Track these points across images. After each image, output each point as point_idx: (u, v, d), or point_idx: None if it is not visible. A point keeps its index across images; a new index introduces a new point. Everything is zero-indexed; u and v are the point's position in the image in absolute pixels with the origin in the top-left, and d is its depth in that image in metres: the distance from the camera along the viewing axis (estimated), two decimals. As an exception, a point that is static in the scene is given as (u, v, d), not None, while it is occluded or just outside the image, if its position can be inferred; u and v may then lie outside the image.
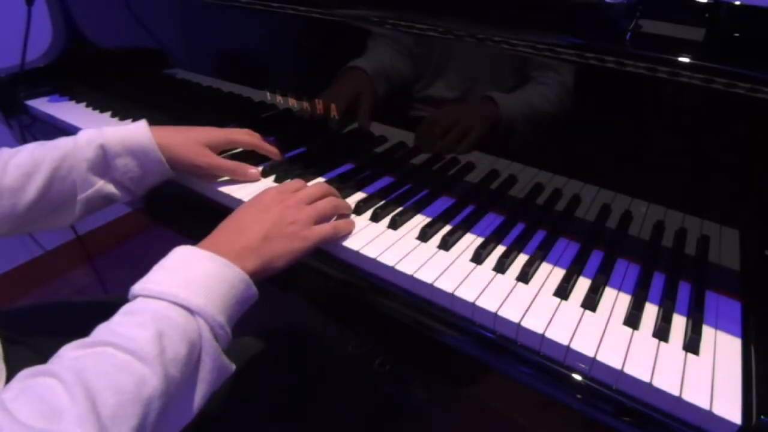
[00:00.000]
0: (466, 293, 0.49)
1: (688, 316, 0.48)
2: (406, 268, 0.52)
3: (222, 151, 0.71)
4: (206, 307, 0.41)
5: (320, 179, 0.71)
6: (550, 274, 0.53)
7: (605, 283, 0.51)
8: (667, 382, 0.40)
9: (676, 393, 0.40)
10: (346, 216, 0.60)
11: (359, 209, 0.62)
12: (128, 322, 0.39)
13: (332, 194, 0.60)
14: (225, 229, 0.51)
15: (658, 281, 0.53)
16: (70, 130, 0.93)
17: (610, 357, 0.43)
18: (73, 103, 1.04)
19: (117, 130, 0.62)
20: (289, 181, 0.66)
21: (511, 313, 0.47)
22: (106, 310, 0.41)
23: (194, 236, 0.49)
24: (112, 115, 0.96)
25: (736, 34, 0.47)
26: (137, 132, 0.63)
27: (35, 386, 0.34)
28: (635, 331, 0.46)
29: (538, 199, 0.60)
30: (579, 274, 0.53)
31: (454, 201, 0.66)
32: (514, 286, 0.50)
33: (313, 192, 0.57)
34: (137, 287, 0.42)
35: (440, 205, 0.65)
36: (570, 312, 0.47)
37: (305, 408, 0.65)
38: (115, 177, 0.62)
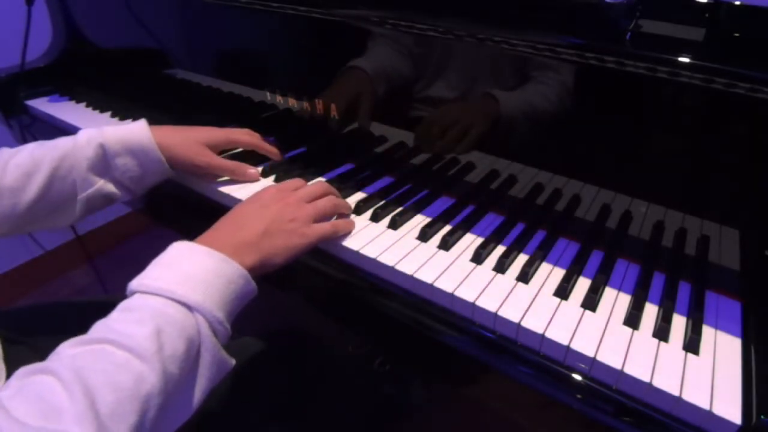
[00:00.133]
0: (466, 293, 0.49)
1: (688, 316, 0.48)
2: (406, 268, 0.52)
3: (222, 151, 0.71)
4: (204, 303, 0.41)
5: (320, 179, 0.71)
6: (550, 274, 0.53)
7: (605, 283, 0.51)
8: (667, 382, 0.40)
9: (676, 393, 0.40)
10: (346, 216, 0.60)
11: (359, 209, 0.62)
12: (126, 318, 0.39)
13: (332, 193, 0.60)
14: (224, 224, 0.51)
15: (658, 281, 0.53)
16: (70, 130, 0.93)
17: (610, 357, 0.43)
18: (73, 103, 1.04)
19: (117, 129, 0.62)
20: (289, 180, 0.67)
21: (511, 313, 0.47)
22: (106, 310, 0.41)
23: (194, 236, 0.49)
24: (112, 115, 0.96)
25: (736, 34, 0.47)
26: (137, 131, 0.63)
27: (33, 384, 0.34)
28: (635, 331, 0.46)
29: (538, 199, 0.60)
30: (579, 274, 0.53)
31: (454, 201, 0.66)
32: (514, 286, 0.50)
33: (313, 190, 0.57)
34: (135, 283, 0.42)
35: (440, 205, 0.65)
36: (570, 312, 0.47)
37: (305, 408, 0.65)
38: (114, 176, 0.62)
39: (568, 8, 0.53)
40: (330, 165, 0.74)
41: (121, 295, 0.43)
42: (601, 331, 0.45)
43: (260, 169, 0.71)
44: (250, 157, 0.73)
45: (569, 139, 0.57)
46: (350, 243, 0.56)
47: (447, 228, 0.59)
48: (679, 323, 0.47)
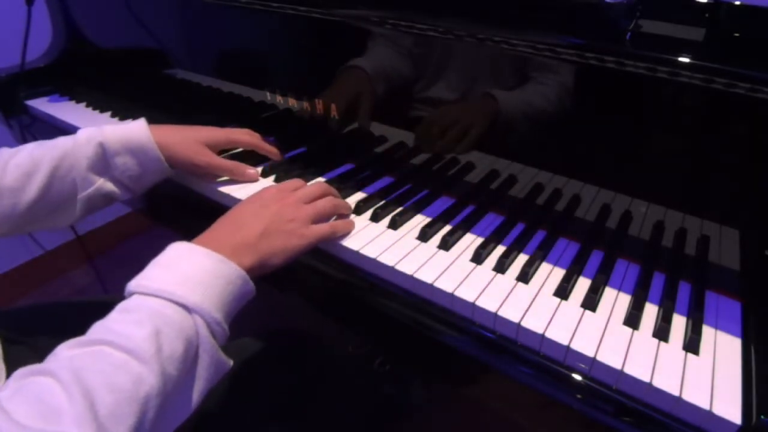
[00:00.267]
0: (466, 293, 0.49)
1: (688, 316, 0.48)
2: (406, 268, 0.52)
3: (222, 150, 0.71)
4: (203, 303, 0.41)
5: (320, 179, 0.71)
6: (550, 274, 0.53)
7: (605, 283, 0.51)
8: (667, 382, 0.40)
9: (676, 393, 0.40)
10: (346, 216, 0.60)
11: (359, 209, 0.62)
12: (124, 319, 0.39)
13: (331, 194, 0.60)
14: (223, 224, 0.51)
15: (658, 281, 0.53)
16: (70, 130, 0.93)
17: (610, 357, 0.43)
18: (73, 103, 1.04)
19: (116, 128, 0.62)
20: (288, 180, 0.66)
21: (511, 313, 0.47)
22: (106, 310, 0.41)
23: (194, 236, 0.49)
24: (112, 115, 0.96)
25: (736, 34, 0.47)
26: (136, 130, 0.62)
27: (32, 385, 0.34)
28: (635, 331, 0.46)
29: (538, 199, 0.60)
30: (579, 274, 0.53)
31: (454, 201, 0.66)
32: (514, 286, 0.50)
33: (312, 191, 0.57)
34: (133, 284, 0.42)
35: (440, 205, 0.65)
36: (570, 312, 0.47)
37: (305, 408, 0.65)
38: (114, 175, 0.62)
39: (568, 8, 0.53)
40: (330, 165, 0.74)
41: (120, 295, 0.43)
42: (601, 331, 0.45)
43: (260, 169, 0.71)
44: (250, 157, 0.73)
45: (569, 139, 0.57)
46: (350, 243, 0.56)
47: (447, 228, 0.59)
48: (679, 323, 0.47)
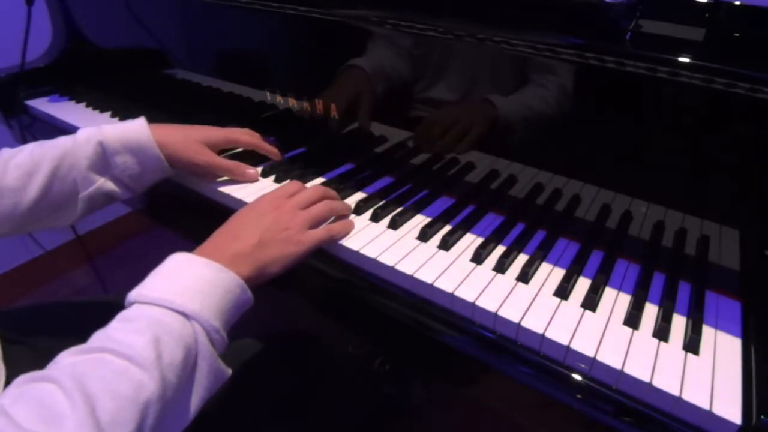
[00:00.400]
0: (466, 293, 0.49)
1: (688, 316, 0.48)
2: (406, 268, 0.52)
3: (222, 150, 0.71)
4: (201, 312, 0.42)
5: (320, 179, 0.71)
6: (550, 274, 0.53)
7: (605, 283, 0.51)
8: (667, 382, 0.40)
9: (676, 393, 0.40)
10: (345, 217, 0.60)
11: (359, 209, 0.62)
12: (125, 328, 0.40)
13: (329, 197, 0.60)
14: (220, 234, 0.51)
15: (658, 281, 0.53)
16: (70, 130, 0.93)
17: (610, 357, 0.43)
18: (73, 103, 1.04)
19: (116, 127, 0.62)
20: (287, 182, 0.66)
21: (511, 313, 0.47)
22: (106, 310, 0.41)
23: (193, 236, 0.49)
24: (112, 115, 0.96)
25: (736, 34, 0.47)
26: (136, 129, 0.62)
27: (34, 391, 0.34)
28: (635, 331, 0.46)
29: (538, 199, 0.60)
30: (579, 274, 0.53)
31: (454, 201, 0.66)
32: (514, 286, 0.50)
33: (308, 195, 0.57)
34: (133, 294, 0.42)
35: (440, 205, 0.65)
36: (570, 312, 0.47)
37: (305, 408, 0.65)
38: (114, 174, 0.62)
39: (568, 8, 0.53)
40: (330, 165, 0.74)
41: (120, 295, 0.43)
42: (601, 331, 0.45)
43: (260, 169, 0.71)
44: (250, 156, 0.73)
45: (569, 140, 0.57)
46: (350, 243, 0.56)
47: (447, 228, 0.59)
48: (679, 323, 0.47)
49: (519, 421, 0.50)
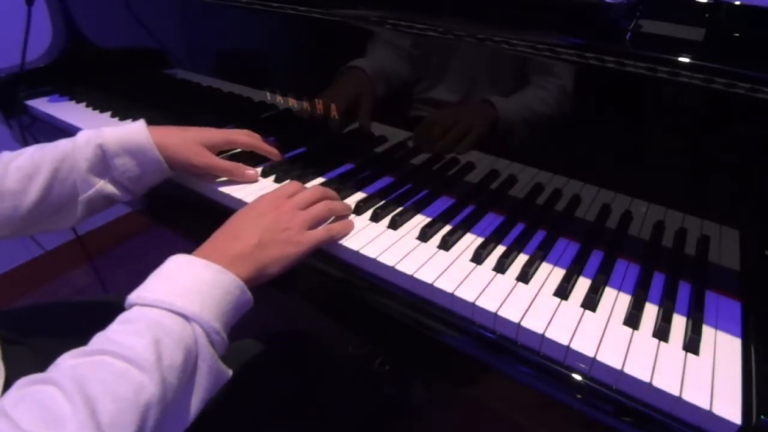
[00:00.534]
0: (466, 293, 0.49)
1: (688, 316, 0.48)
2: (406, 268, 0.52)
3: (222, 151, 0.71)
4: (201, 313, 0.42)
5: (320, 179, 0.71)
6: (550, 274, 0.53)
7: (605, 283, 0.51)
8: (667, 382, 0.40)
9: (676, 393, 0.40)
10: (345, 217, 0.60)
11: (359, 209, 0.62)
12: (125, 330, 0.40)
13: (328, 197, 0.60)
14: (220, 236, 0.51)
15: (658, 281, 0.53)
16: (70, 130, 0.93)
17: (610, 357, 0.43)
18: (73, 103, 1.04)
19: (115, 130, 0.62)
20: (287, 182, 0.66)
21: (511, 313, 0.47)
22: (106, 310, 0.41)
23: (193, 236, 0.49)
24: (112, 115, 0.96)
25: (736, 34, 0.47)
26: (135, 132, 0.63)
27: (35, 394, 0.34)
28: (635, 331, 0.46)
29: (538, 199, 0.60)
30: (579, 274, 0.53)
31: (454, 201, 0.66)
32: (514, 286, 0.50)
33: (307, 196, 0.57)
34: (133, 296, 0.42)
35: (440, 205, 0.65)
36: (570, 312, 0.47)
37: (306, 408, 0.65)
38: (114, 176, 0.62)
39: (567, 8, 0.53)
40: (330, 165, 0.74)
41: (120, 295, 0.43)
42: (601, 331, 0.45)
43: (260, 169, 0.71)
44: (251, 157, 0.73)
45: (569, 140, 0.57)
46: (350, 243, 0.56)
47: (447, 228, 0.59)
48: (679, 323, 0.47)
49: (519, 421, 0.50)
